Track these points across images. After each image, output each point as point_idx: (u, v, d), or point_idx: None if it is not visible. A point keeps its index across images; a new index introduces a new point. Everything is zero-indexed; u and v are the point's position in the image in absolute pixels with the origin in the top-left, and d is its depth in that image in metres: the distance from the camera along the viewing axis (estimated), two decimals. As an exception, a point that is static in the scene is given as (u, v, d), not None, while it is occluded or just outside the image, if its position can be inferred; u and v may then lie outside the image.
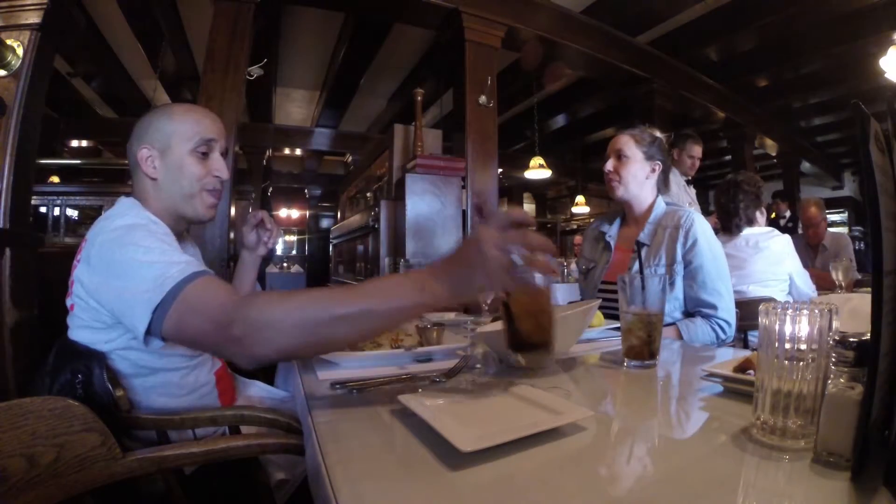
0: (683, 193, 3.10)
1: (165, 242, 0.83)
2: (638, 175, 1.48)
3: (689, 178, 3.19)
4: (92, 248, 0.84)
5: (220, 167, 1.02)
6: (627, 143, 1.49)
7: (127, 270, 0.77)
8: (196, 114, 1.01)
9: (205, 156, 1.00)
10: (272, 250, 1.32)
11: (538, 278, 0.66)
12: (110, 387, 0.82)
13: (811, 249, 3.38)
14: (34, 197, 2.51)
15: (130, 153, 0.99)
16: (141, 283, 0.75)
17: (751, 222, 2.19)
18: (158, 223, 0.90)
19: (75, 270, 0.88)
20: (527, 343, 0.68)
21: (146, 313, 0.73)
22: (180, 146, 0.97)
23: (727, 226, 2.22)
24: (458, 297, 0.65)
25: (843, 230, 8.45)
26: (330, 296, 0.69)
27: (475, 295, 0.70)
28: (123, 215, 0.88)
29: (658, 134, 1.54)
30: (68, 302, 0.91)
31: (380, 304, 0.65)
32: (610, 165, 1.50)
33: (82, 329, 0.89)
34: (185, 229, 1.07)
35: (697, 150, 3.17)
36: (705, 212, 3.57)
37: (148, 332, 0.74)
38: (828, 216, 3.68)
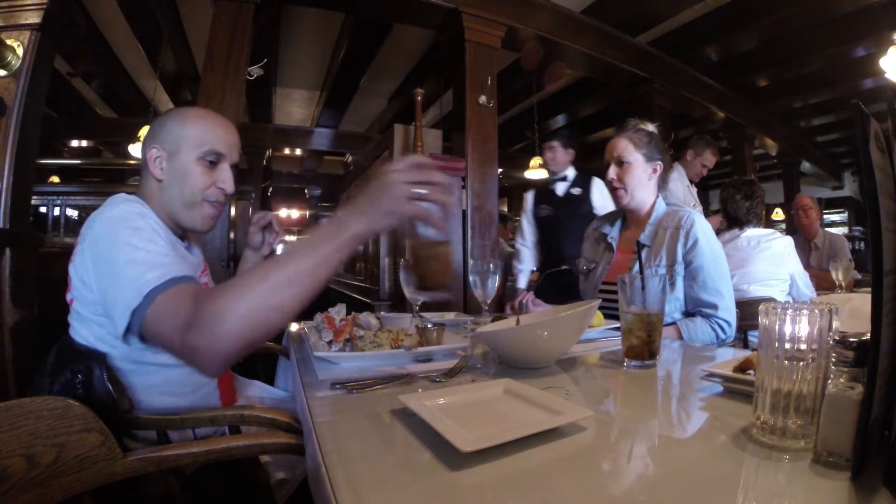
0: (689, 195, 3.11)
1: (152, 241, 0.83)
2: (641, 179, 1.47)
3: (693, 181, 3.20)
4: (84, 242, 0.86)
5: (226, 179, 1.01)
6: (627, 149, 1.46)
7: (112, 270, 0.80)
8: (208, 121, 1.00)
9: (213, 165, 0.99)
10: (273, 250, 1.33)
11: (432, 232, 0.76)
12: (110, 387, 0.82)
13: (806, 245, 3.35)
14: (34, 197, 2.52)
15: (142, 152, 1.00)
16: (123, 284, 0.77)
17: (760, 220, 2.26)
18: (147, 216, 0.89)
19: (71, 265, 0.89)
20: (425, 283, 0.82)
21: (125, 315, 0.76)
22: (188, 152, 0.97)
23: (739, 221, 2.27)
24: (371, 225, 0.71)
25: (843, 230, 8.44)
26: (264, 268, 0.71)
27: (385, 221, 0.71)
28: (112, 208, 0.88)
29: (651, 128, 1.52)
30: (68, 297, 0.91)
31: (309, 258, 0.69)
32: (613, 174, 1.48)
33: (84, 325, 0.88)
34: (185, 231, 1.06)
35: (712, 160, 3.17)
36: (707, 212, 3.56)
37: (128, 331, 0.78)
38: (828, 216, 3.65)
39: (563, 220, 2.92)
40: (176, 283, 0.77)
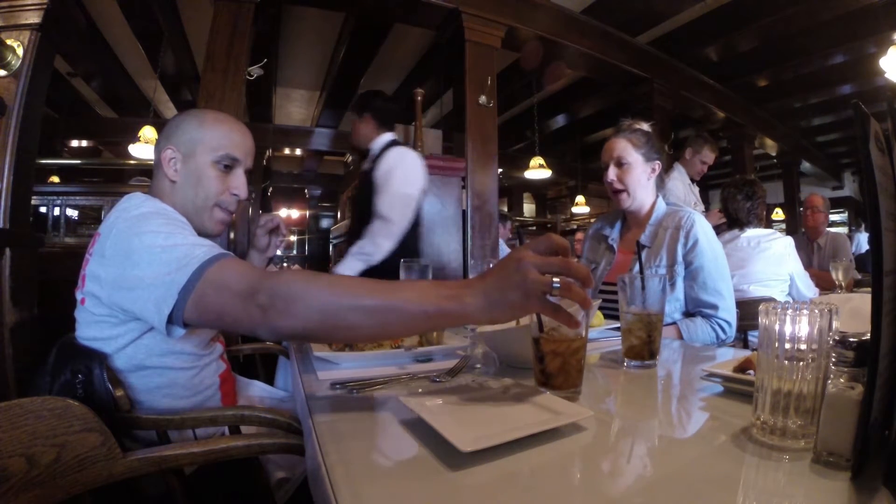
0: (690, 193, 3.10)
1: (185, 231, 0.83)
2: (641, 180, 1.46)
3: (695, 180, 3.20)
4: (107, 240, 0.82)
5: (239, 185, 1.00)
6: (626, 149, 1.45)
7: (147, 258, 0.76)
8: (226, 126, 1.00)
9: (227, 169, 0.99)
10: (277, 252, 1.33)
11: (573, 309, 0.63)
12: (110, 387, 0.82)
13: (809, 245, 3.35)
14: (34, 197, 2.51)
15: (156, 151, 0.99)
16: (163, 267, 0.73)
17: (760, 221, 2.25)
18: (173, 213, 0.89)
19: (88, 265, 0.87)
20: (553, 383, 0.69)
21: (172, 295, 0.71)
22: (204, 155, 0.97)
23: (740, 221, 2.27)
24: (490, 313, 0.62)
25: (843, 230, 8.45)
26: (359, 283, 0.68)
27: (508, 314, 0.63)
28: (139, 206, 0.87)
29: (646, 127, 1.51)
30: (78, 295, 0.90)
31: (407, 303, 0.63)
32: (612, 175, 1.46)
33: (93, 325, 0.87)
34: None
35: (711, 157, 3.15)
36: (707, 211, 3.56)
37: (169, 321, 0.72)
38: (829, 216, 3.61)
39: (354, 201, 2.49)
40: (225, 257, 0.74)
